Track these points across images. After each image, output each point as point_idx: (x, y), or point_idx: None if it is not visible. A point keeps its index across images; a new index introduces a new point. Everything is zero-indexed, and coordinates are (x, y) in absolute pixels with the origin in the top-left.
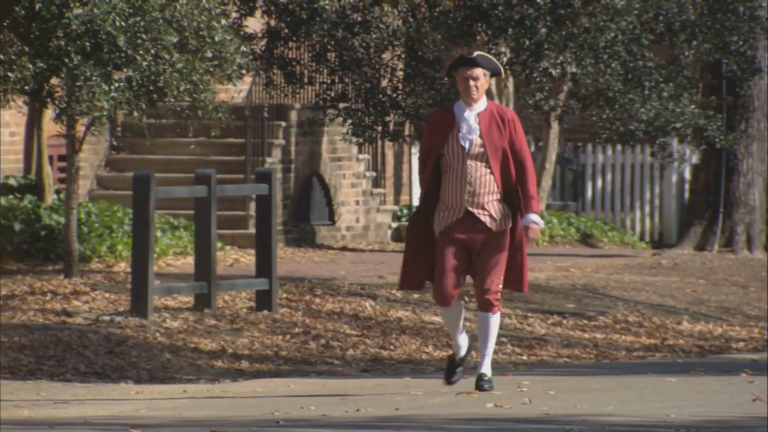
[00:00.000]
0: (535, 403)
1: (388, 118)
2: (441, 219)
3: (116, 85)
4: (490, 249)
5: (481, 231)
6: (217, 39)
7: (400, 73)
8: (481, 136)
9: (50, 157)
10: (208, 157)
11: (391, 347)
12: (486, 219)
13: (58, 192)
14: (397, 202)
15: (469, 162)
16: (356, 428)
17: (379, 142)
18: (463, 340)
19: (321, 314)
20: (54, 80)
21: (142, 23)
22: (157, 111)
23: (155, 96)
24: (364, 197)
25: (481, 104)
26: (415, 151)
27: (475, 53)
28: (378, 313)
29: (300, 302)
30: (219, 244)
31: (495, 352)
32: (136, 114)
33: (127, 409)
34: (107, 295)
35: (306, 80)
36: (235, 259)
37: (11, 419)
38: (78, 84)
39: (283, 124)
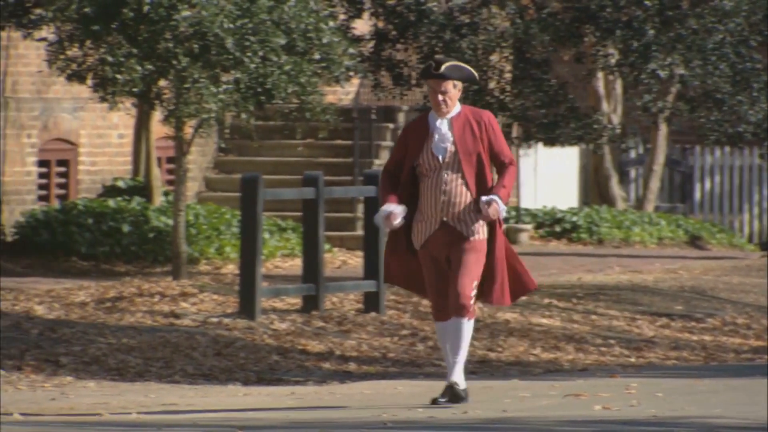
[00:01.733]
0: (643, 405)
1: None
2: (419, 232)
3: (224, 87)
4: (465, 255)
5: (459, 241)
6: (324, 41)
7: (508, 75)
8: (454, 144)
9: (158, 159)
10: (316, 158)
11: (499, 349)
12: (463, 228)
13: (166, 194)
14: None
15: (443, 171)
16: (463, 430)
17: None
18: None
19: (429, 316)
20: (162, 82)
21: (250, 25)
22: (264, 113)
23: (263, 98)
24: None
25: (455, 110)
26: (523, 152)
27: (444, 65)
28: (485, 315)
29: (408, 304)
30: (327, 246)
31: (602, 354)
32: (243, 116)
33: (235, 410)
34: (215, 296)
35: (413, 82)
36: (342, 260)
37: (120, 421)
38: (186, 86)
39: (391, 125)
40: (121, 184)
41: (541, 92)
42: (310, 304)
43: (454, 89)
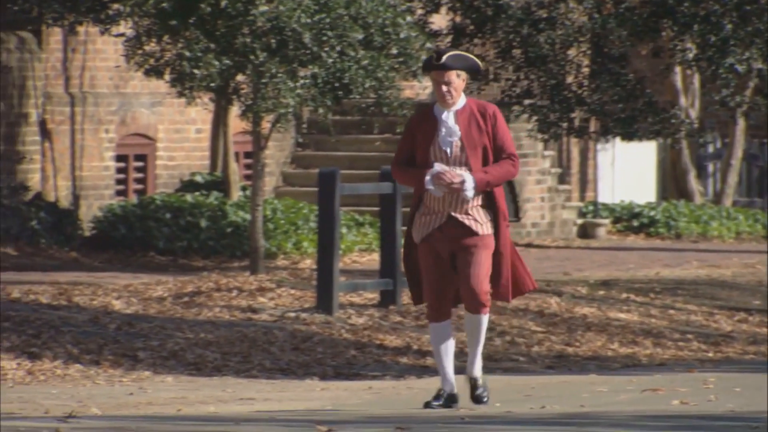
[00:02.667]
0: (721, 400)
1: (573, 115)
2: (422, 225)
3: (301, 82)
4: (475, 250)
5: (465, 236)
6: (402, 36)
7: (586, 70)
8: (460, 138)
9: (236, 154)
10: (393, 153)
11: (576, 344)
12: (471, 223)
13: (243, 189)
14: (582, 198)
15: (451, 165)
16: (541, 425)
17: (565, 139)
18: (451, 374)
19: (506, 311)
20: (240, 77)
21: (328, 20)
22: (342, 107)
23: (340, 93)
24: (549, 194)
25: (459, 103)
26: (600, 147)
27: (446, 55)
28: (563, 310)
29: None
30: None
31: (680, 349)
32: (321, 111)
33: (313, 405)
34: (292, 291)
35: (491, 77)
36: None
37: (198, 415)
38: (263, 81)
39: None
40: (198, 178)
41: (618, 87)
42: (388, 298)
43: (457, 79)
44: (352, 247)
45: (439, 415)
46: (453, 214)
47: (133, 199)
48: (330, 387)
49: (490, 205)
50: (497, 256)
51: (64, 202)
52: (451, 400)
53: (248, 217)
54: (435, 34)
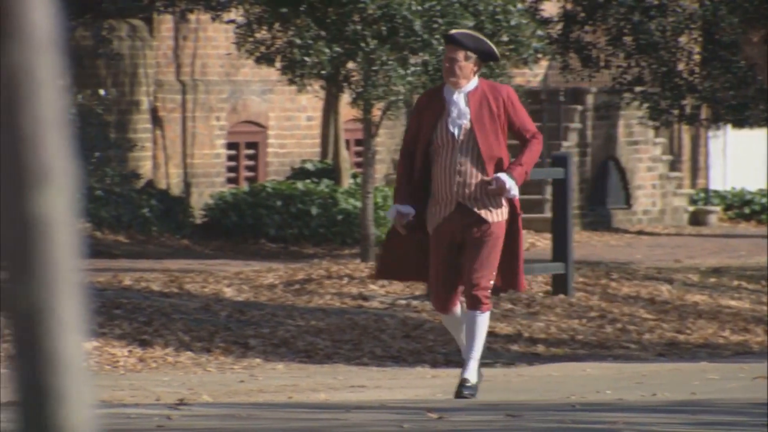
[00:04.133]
0: None
1: (684, 102)
2: (432, 215)
3: (412, 69)
4: (483, 242)
5: (475, 224)
6: (513, 23)
7: (697, 57)
8: (470, 120)
9: (347, 142)
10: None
11: (688, 331)
12: (481, 211)
13: (354, 176)
14: (693, 185)
15: (459, 149)
16: (652, 412)
17: (676, 126)
18: None
19: (617, 298)
20: (350, 65)
21: (438, 7)
22: None
23: None
24: (660, 181)
25: (471, 84)
26: (711, 134)
27: (460, 31)
28: (674, 297)
29: (596, 286)
30: None
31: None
32: None
33: (423, 393)
34: None
35: (602, 64)
36: (531, 243)
37: (309, 402)
38: (374, 68)
39: (579, 107)
40: (309, 166)
41: (729, 74)
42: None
43: (465, 60)
44: None
45: (550, 403)
46: (461, 201)
47: (244, 186)
48: (441, 374)
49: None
50: (511, 242)
51: (176, 190)
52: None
53: (359, 204)
54: (546, 21)
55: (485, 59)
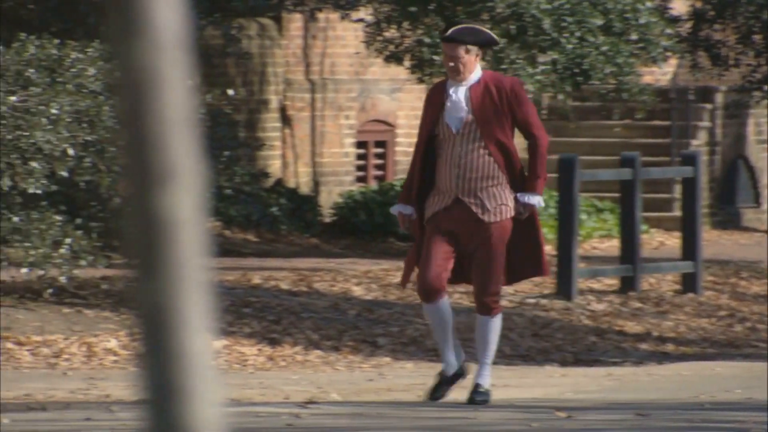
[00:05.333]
0: None
1: None
2: (430, 205)
3: (541, 68)
4: (486, 245)
5: (472, 222)
6: (642, 21)
7: None
8: (472, 113)
9: None
10: (633, 139)
11: None
12: (477, 209)
13: None
14: None
15: (458, 143)
16: None
17: None
18: (451, 357)
19: (746, 297)
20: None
21: (567, 6)
22: (581, 93)
23: (580, 79)
24: None
25: (474, 77)
26: None
27: (456, 27)
28: None
29: (725, 285)
30: (644, 227)
31: None
32: (560, 97)
33: (552, 392)
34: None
35: (731, 62)
36: (660, 241)
37: (436, 402)
38: (503, 67)
39: (708, 106)
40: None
41: None
42: (627, 284)
43: (466, 54)
44: (591, 233)
45: (679, 402)
46: (460, 196)
47: (373, 185)
48: (569, 373)
49: (514, 184)
50: (530, 229)
51: (305, 189)
52: (452, 379)
53: None
54: (675, 20)
55: (485, 47)
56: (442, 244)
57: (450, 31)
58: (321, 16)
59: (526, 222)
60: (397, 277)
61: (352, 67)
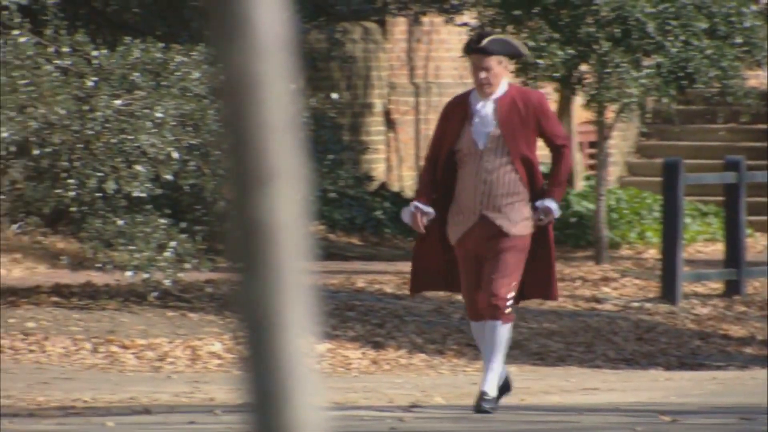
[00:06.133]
0: None
1: None
2: (456, 225)
3: (645, 71)
4: (504, 253)
5: (498, 236)
6: (746, 25)
7: None
8: (499, 127)
9: (579, 144)
10: (737, 143)
11: None
12: (503, 222)
13: (587, 178)
14: None
15: (485, 159)
16: None
17: None
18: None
19: None
20: (583, 67)
21: (672, 9)
22: (685, 97)
23: (684, 82)
24: None
25: (500, 90)
26: None
27: (487, 39)
28: None
29: None
30: (748, 231)
31: None
32: (665, 100)
33: (657, 395)
34: (636, 281)
35: None
36: (764, 245)
37: (541, 405)
38: (607, 71)
39: None
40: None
41: None
42: (732, 288)
43: (498, 66)
44: (695, 237)
45: None
46: (484, 212)
47: None
48: (674, 377)
49: (537, 199)
50: (543, 250)
51: (409, 192)
52: (501, 391)
53: (592, 207)
54: None
55: (514, 59)
56: (476, 268)
57: (483, 41)
58: (425, 19)
59: (540, 241)
60: None
61: (456, 71)
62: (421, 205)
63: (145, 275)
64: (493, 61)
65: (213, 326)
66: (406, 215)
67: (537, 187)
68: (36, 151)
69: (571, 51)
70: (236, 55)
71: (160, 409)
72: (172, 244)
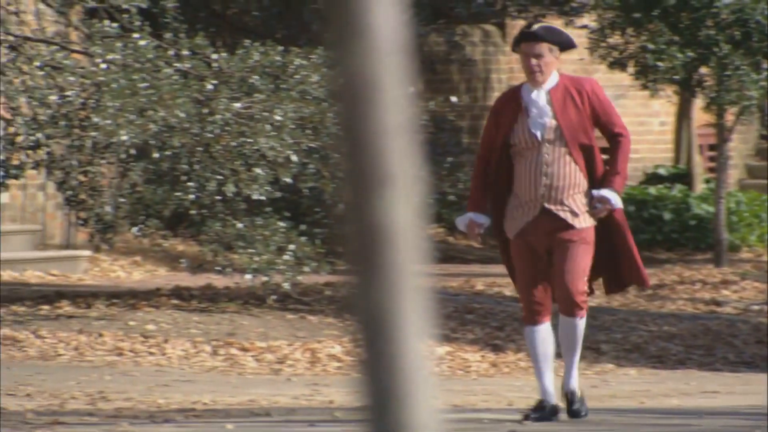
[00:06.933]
0: None
1: None
2: (515, 219)
3: (765, 74)
4: (573, 246)
5: (562, 229)
6: None
7: None
8: (555, 118)
9: (699, 147)
10: None
11: None
12: (567, 215)
13: (707, 181)
14: None
15: (544, 151)
16: None
17: None
18: (550, 383)
19: None
20: (703, 69)
21: None
22: None
23: None
24: None
25: (552, 81)
26: None
27: (538, 25)
28: None
29: None
30: None
31: None
32: None
33: None
34: (756, 284)
35: None
36: None
37: (661, 408)
38: (727, 73)
39: None
40: (662, 171)
41: None
42: None
43: (550, 53)
44: None
45: None
46: (547, 206)
47: None
48: None
49: (594, 188)
50: (620, 237)
51: None
52: (552, 412)
53: (712, 209)
54: None
55: (564, 50)
56: (538, 265)
57: (536, 27)
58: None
59: (613, 231)
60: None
61: (576, 73)
62: (474, 217)
63: (265, 278)
64: (544, 48)
65: (332, 329)
66: (461, 225)
67: (597, 177)
68: (156, 154)
69: (690, 54)
70: (355, 58)
71: (279, 411)
72: (291, 247)
